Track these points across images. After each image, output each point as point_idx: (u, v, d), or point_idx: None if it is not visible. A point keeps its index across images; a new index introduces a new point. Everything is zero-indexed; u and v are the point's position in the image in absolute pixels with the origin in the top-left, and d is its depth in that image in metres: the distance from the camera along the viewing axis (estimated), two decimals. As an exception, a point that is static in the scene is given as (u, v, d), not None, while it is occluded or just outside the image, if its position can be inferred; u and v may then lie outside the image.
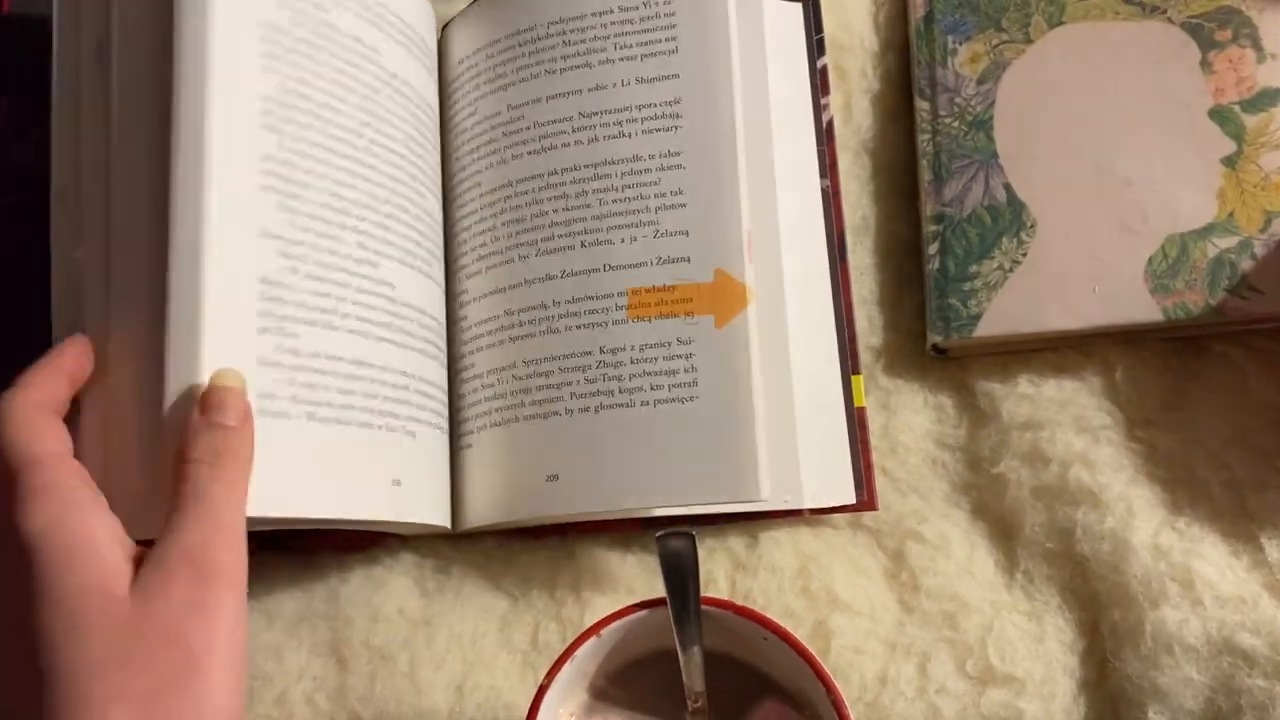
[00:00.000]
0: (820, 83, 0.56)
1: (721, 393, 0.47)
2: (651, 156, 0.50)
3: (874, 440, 0.52)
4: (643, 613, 0.39)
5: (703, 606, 0.39)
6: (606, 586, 0.49)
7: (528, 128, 0.52)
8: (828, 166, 0.55)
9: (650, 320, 0.48)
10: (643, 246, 0.49)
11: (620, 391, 0.48)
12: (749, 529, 0.50)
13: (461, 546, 0.50)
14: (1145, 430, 0.49)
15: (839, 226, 0.54)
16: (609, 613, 0.39)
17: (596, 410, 0.48)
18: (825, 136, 0.55)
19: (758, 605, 0.48)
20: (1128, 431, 0.49)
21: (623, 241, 0.49)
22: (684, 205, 0.49)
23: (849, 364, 0.52)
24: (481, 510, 0.48)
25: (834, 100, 0.57)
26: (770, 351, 0.49)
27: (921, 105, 0.55)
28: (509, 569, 0.49)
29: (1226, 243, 0.49)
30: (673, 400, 0.47)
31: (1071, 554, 0.47)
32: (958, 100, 0.55)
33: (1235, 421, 0.48)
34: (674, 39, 0.51)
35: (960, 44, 0.55)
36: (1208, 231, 0.50)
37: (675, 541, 0.38)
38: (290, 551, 0.50)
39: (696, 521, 0.49)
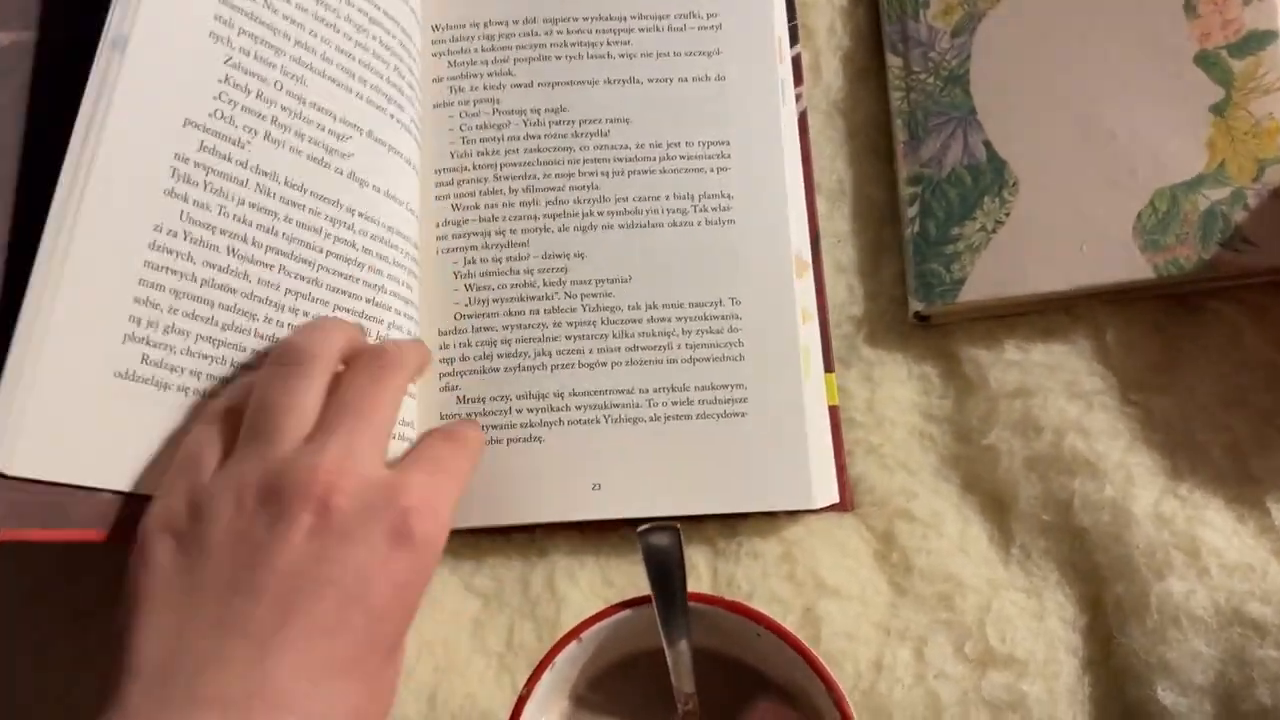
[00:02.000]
0: (795, 72, 0.54)
1: (775, 404, 0.48)
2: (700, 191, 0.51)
3: (858, 415, 0.49)
4: (626, 613, 0.37)
5: (690, 604, 0.36)
6: (582, 581, 0.46)
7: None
8: (802, 160, 0.52)
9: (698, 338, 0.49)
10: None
11: (673, 404, 0.48)
12: (724, 517, 0.47)
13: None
14: (1140, 394, 0.47)
15: (813, 223, 0.52)
16: (588, 614, 0.37)
17: (637, 421, 0.48)
18: (800, 128, 0.53)
19: (742, 593, 0.45)
20: (1122, 396, 0.47)
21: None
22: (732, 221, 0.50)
23: (826, 362, 0.50)
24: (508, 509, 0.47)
25: (804, 59, 0.54)
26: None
27: (894, 61, 0.53)
28: (479, 569, 0.47)
29: (1218, 194, 0.47)
30: (725, 415, 0.47)
31: (1069, 526, 0.45)
32: (932, 55, 0.52)
33: (1233, 381, 0.46)
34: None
35: (932, -5, 0.52)
36: (1198, 183, 0.47)
37: (659, 536, 0.35)
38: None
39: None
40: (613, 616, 0.37)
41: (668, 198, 0.50)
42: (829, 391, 0.50)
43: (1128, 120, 0.49)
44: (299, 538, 0.35)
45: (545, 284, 0.49)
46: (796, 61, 0.54)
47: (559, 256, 0.49)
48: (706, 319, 0.49)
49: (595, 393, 0.48)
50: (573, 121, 0.51)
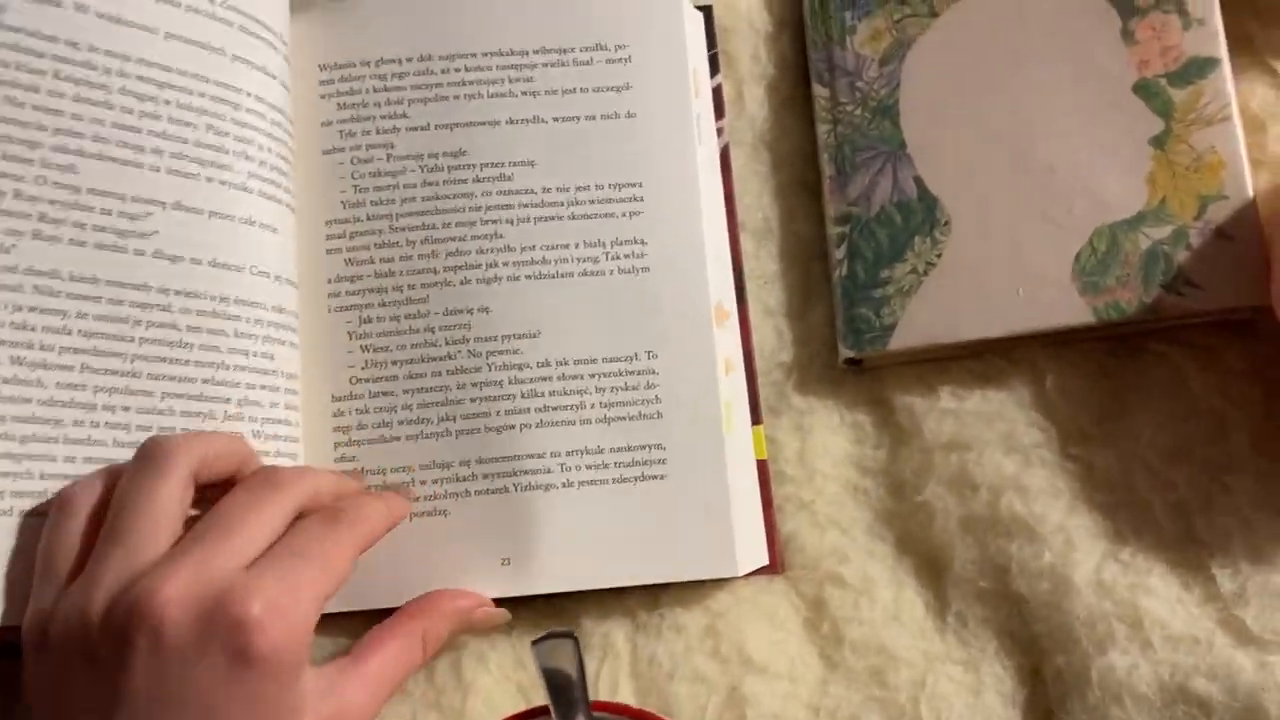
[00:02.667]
0: (715, 104, 0.50)
1: (695, 463, 0.45)
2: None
3: (789, 468, 0.47)
4: (523, 724, 0.34)
5: (595, 714, 0.33)
6: (492, 664, 0.43)
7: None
8: (725, 198, 0.49)
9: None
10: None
11: (587, 468, 0.45)
12: (646, 585, 0.44)
13: (325, 628, 0.44)
14: (1081, 447, 0.44)
15: (737, 265, 0.49)
16: (498, 703, 0.34)
17: (548, 489, 0.45)
18: (722, 164, 0.50)
19: (663, 672, 0.43)
20: (1061, 449, 0.44)
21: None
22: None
23: (754, 415, 0.47)
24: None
25: (725, 90, 0.51)
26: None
27: (820, 92, 0.50)
28: (380, 653, 0.43)
29: (1159, 233, 0.44)
30: (644, 474, 0.45)
31: (1008, 593, 0.43)
32: (859, 85, 0.49)
33: (1177, 431, 0.44)
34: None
35: (859, 20, 0.49)
36: (1138, 221, 0.45)
37: (553, 648, 0.32)
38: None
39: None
40: (509, 729, 0.34)
41: (577, 245, 0.47)
42: (757, 445, 0.47)
43: (1065, 153, 0.46)
44: (140, 662, 0.33)
45: (447, 342, 0.46)
46: (717, 93, 0.51)
47: (461, 312, 0.46)
48: (621, 375, 0.46)
49: (502, 459, 0.45)
50: (473, 165, 0.47)
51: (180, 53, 0.43)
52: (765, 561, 0.45)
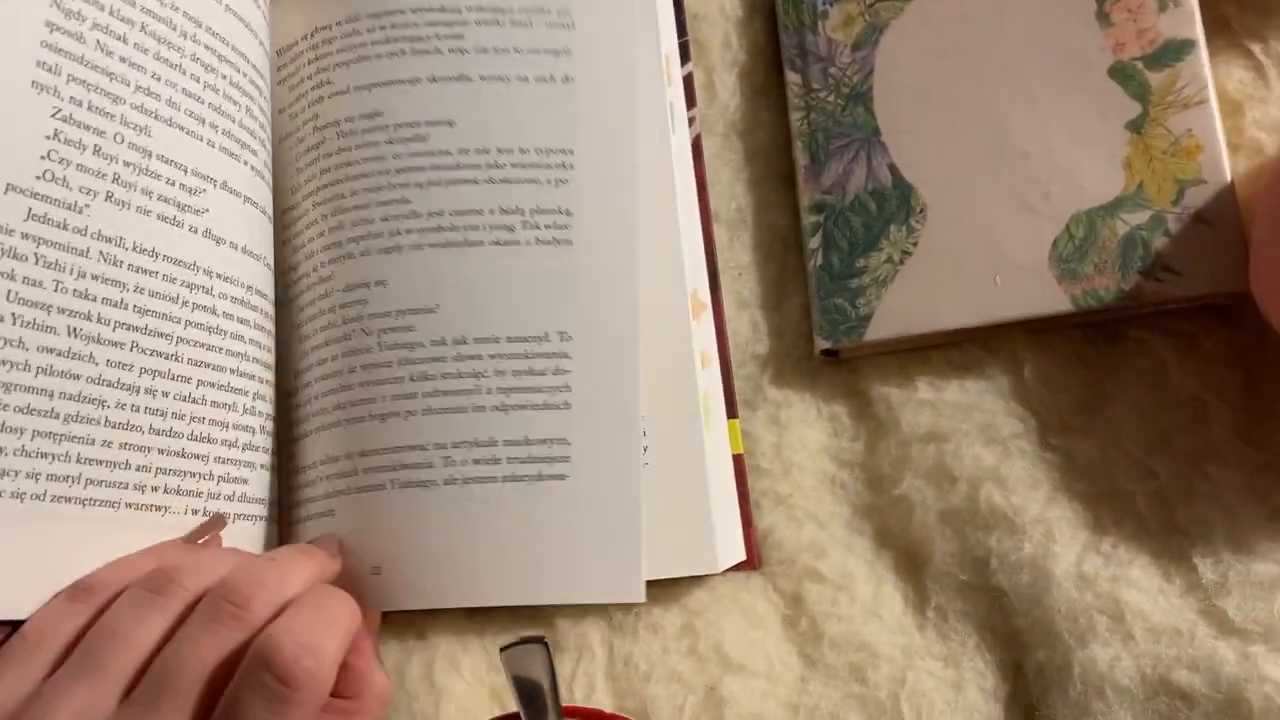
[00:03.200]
0: (687, 93, 0.49)
1: (673, 458, 0.42)
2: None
3: (765, 462, 0.46)
4: (492, 733, 0.33)
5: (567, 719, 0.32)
6: (465, 668, 0.42)
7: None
8: (698, 188, 0.48)
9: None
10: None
11: (474, 462, 0.41)
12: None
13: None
14: (1060, 436, 0.43)
15: (711, 258, 0.48)
16: (470, 708, 0.33)
17: (428, 485, 0.41)
18: (694, 153, 0.49)
19: (639, 673, 0.42)
20: (1041, 439, 0.44)
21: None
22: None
23: (729, 408, 0.46)
24: None
25: (695, 77, 0.50)
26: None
27: (793, 78, 0.49)
28: (350, 658, 0.42)
29: (1137, 218, 0.44)
30: (538, 478, 0.41)
31: (987, 586, 0.42)
32: (832, 71, 0.48)
33: (1157, 420, 0.43)
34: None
35: (831, 5, 0.49)
36: (1116, 207, 0.44)
37: (522, 654, 0.31)
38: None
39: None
40: (479, 737, 0.33)
41: (491, 212, 0.43)
42: (733, 440, 0.46)
43: (1041, 138, 0.45)
44: None
45: (344, 320, 0.43)
46: (688, 81, 0.50)
47: (359, 286, 0.43)
48: (527, 357, 0.42)
49: (383, 450, 0.42)
50: (386, 127, 0.44)
51: (233, 30, 0.42)
52: (743, 557, 0.44)
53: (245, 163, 0.43)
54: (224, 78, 0.43)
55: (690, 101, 0.49)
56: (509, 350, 0.42)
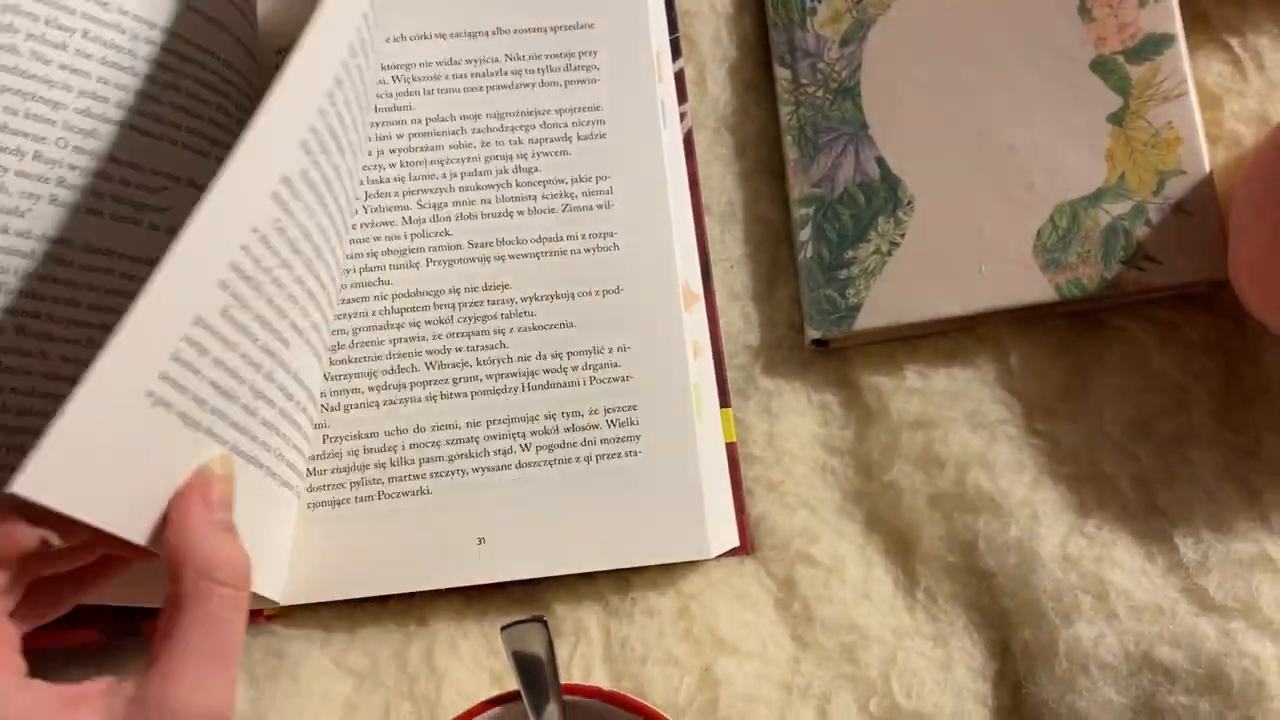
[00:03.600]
0: (678, 89, 0.50)
1: (666, 446, 0.45)
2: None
3: (757, 450, 0.47)
4: (496, 710, 0.34)
5: (566, 697, 0.33)
6: (465, 653, 0.43)
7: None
8: (690, 182, 0.49)
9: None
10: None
11: (559, 447, 0.45)
12: (620, 569, 0.44)
13: (296, 620, 0.44)
14: (1046, 422, 0.45)
15: (703, 250, 0.49)
16: (470, 690, 0.34)
17: (520, 466, 0.44)
18: (686, 149, 0.50)
19: (636, 656, 0.43)
20: (1026, 424, 0.45)
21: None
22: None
23: (722, 397, 0.47)
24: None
25: (686, 73, 0.51)
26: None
27: (782, 74, 0.50)
28: (352, 644, 0.43)
29: (1119, 209, 0.45)
30: (613, 455, 0.44)
31: (975, 568, 0.43)
32: (820, 66, 0.49)
33: (1139, 405, 0.44)
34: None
35: (819, 1, 0.49)
36: (1098, 197, 0.45)
37: (523, 633, 0.32)
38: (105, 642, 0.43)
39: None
40: (482, 714, 0.34)
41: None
42: (726, 428, 0.47)
43: (1025, 131, 0.46)
44: None
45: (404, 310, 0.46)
46: (679, 77, 0.51)
47: (424, 294, 0.46)
48: (595, 359, 0.46)
49: (476, 424, 0.45)
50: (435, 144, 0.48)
51: (198, 27, 0.43)
52: (736, 543, 0.45)
53: (217, 159, 0.43)
54: (188, 76, 0.43)
55: (681, 97, 0.50)
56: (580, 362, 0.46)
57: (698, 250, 0.49)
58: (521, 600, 0.44)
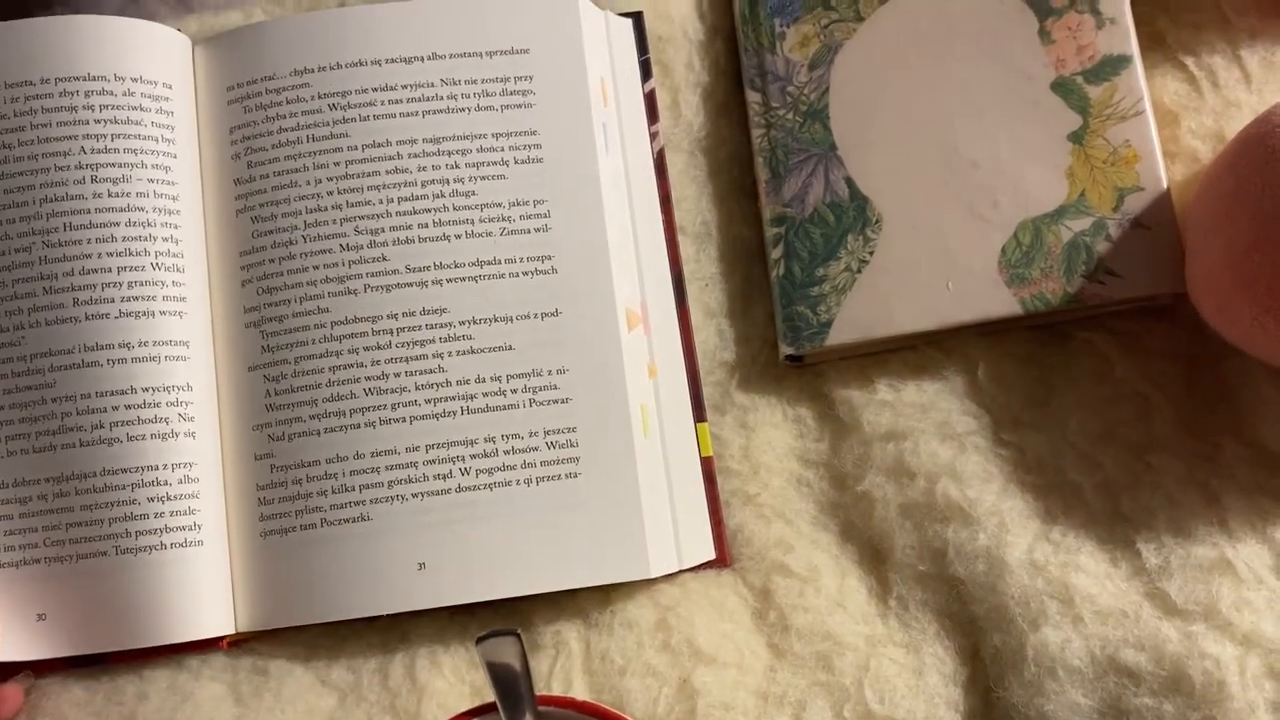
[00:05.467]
0: (648, 109, 0.51)
1: (606, 467, 0.45)
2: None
3: (734, 464, 0.48)
4: (472, 720, 0.35)
5: (541, 707, 0.34)
6: (446, 667, 0.44)
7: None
8: (661, 201, 0.50)
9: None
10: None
11: (498, 470, 0.45)
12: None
13: (282, 638, 0.45)
14: (1012, 432, 0.46)
15: (676, 268, 0.50)
16: (451, 704, 0.35)
17: (459, 490, 0.45)
18: (657, 169, 0.51)
19: (616, 668, 0.44)
20: (994, 435, 0.46)
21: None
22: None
23: (698, 412, 0.48)
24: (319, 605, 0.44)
25: (660, 98, 0.52)
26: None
27: (753, 97, 0.51)
28: (336, 659, 0.44)
29: (1080, 225, 0.46)
30: (552, 478, 0.45)
31: (945, 576, 0.44)
32: (790, 89, 0.50)
33: (1103, 414, 0.45)
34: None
35: (788, 26, 0.51)
36: (1060, 214, 0.46)
37: (497, 645, 0.33)
38: (83, 667, 0.44)
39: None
40: (460, 725, 0.35)
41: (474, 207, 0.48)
42: (702, 443, 0.48)
43: (988, 150, 0.47)
44: None
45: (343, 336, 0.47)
46: (650, 98, 0.52)
47: (363, 319, 0.47)
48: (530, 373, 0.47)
49: (415, 449, 0.45)
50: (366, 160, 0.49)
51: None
52: (713, 555, 0.46)
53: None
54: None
55: (652, 117, 0.52)
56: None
57: (670, 268, 0.50)
58: (503, 614, 0.45)
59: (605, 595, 0.45)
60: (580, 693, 0.43)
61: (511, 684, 0.33)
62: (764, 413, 0.49)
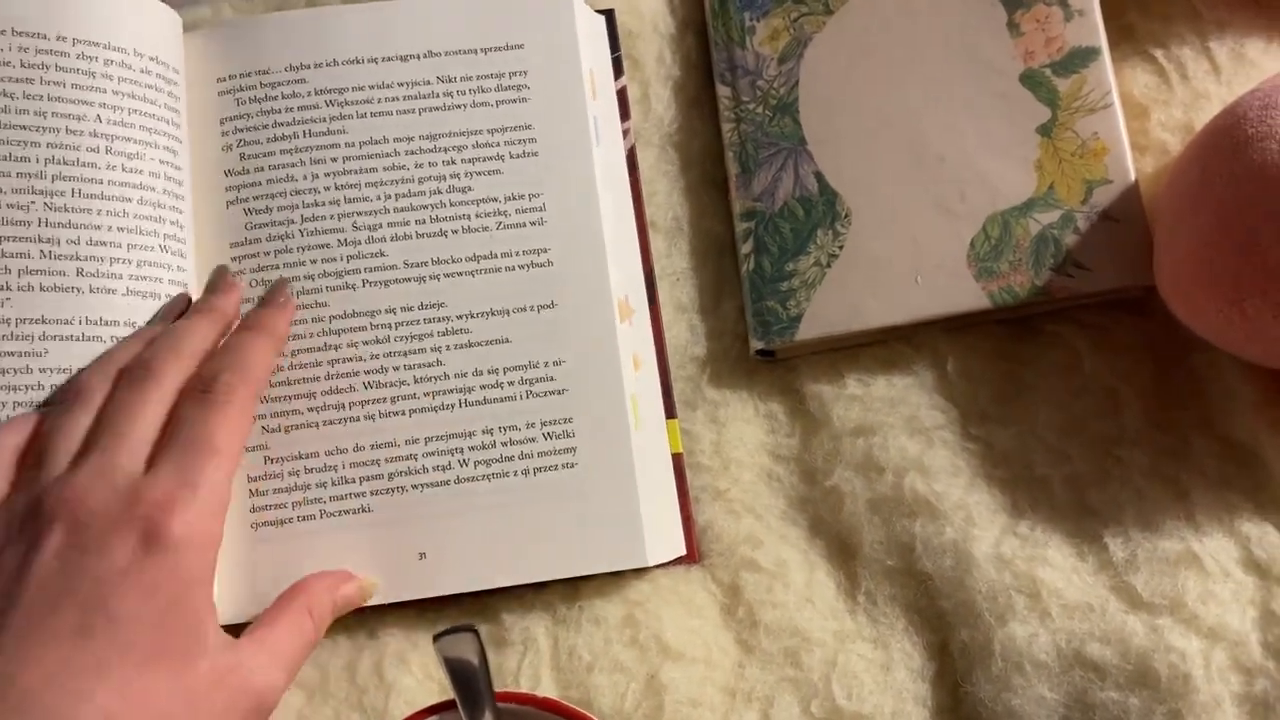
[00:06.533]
0: (621, 106, 0.51)
1: (602, 457, 0.46)
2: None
3: (705, 459, 0.48)
4: (434, 718, 0.35)
5: (500, 705, 0.34)
6: (414, 664, 0.44)
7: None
8: (634, 198, 0.50)
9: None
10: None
11: (496, 461, 0.46)
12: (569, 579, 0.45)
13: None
14: (981, 427, 0.46)
15: (648, 266, 0.50)
16: (419, 700, 0.35)
17: (458, 481, 0.45)
18: (629, 164, 0.51)
19: (583, 664, 0.43)
20: (962, 430, 0.46)
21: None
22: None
23: (668, 408, 0.48)
24: None
25: (630, 92, 0.52)
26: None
27: (723, 91, 0.51)
28: (303, 657, 0.44)
29: (1048, 218, 0.46)
30: (550, 468, 0.45)
31: (913, 571, 0.44)
32: (759, 83, 0.50)
33: (1072, 408, 0.45)
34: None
35: (758, 20, 0.51)
36: (1028, 207, 0.46)
37: (455, 642, 0.33)
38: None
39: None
40: (420, 723, 0.35)
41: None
42: (672, 439, 0.48)
43: (957, 143, 0.47)
44: (48, 555, 0.37)
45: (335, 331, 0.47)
46: (622, 95, 0.52)
47: (360, 314, 0.47)
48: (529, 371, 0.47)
49: (413, 442, 0.46)
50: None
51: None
52: (683, 552, 0.46)
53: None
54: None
55: (624, 114, 0.51)
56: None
57: (642, 264, 0.50)
58: (472, 610, 0.45)
59: (574, 590, 0.45)
60: (548, 689, 0.43)
61: (470, 680, 0.33)
62: (735, 408, 0.49)
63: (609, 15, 0.52)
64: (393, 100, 0.49)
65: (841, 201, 0.48)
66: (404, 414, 0.46)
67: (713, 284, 0.50)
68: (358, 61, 0.49)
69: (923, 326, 0.47)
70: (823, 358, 0.49)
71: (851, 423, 0.47)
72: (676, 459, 0.48)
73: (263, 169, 0.48)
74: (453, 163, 0.48)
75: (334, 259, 0.47)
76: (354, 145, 0.48)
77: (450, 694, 0.35)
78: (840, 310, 0.47)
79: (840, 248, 0.48)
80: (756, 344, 0.48)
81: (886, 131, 0.48)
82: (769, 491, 0.47)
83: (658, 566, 0.45)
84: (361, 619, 0.45)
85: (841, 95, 0.49)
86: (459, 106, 0.49)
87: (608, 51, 0.52)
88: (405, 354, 0.46)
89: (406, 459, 0.45)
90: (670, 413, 0.48)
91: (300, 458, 0.45)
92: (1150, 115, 0.48)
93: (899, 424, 0.46)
